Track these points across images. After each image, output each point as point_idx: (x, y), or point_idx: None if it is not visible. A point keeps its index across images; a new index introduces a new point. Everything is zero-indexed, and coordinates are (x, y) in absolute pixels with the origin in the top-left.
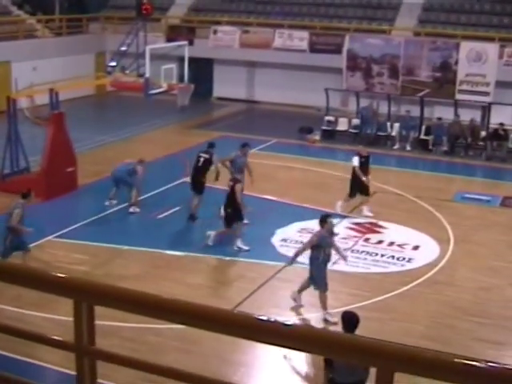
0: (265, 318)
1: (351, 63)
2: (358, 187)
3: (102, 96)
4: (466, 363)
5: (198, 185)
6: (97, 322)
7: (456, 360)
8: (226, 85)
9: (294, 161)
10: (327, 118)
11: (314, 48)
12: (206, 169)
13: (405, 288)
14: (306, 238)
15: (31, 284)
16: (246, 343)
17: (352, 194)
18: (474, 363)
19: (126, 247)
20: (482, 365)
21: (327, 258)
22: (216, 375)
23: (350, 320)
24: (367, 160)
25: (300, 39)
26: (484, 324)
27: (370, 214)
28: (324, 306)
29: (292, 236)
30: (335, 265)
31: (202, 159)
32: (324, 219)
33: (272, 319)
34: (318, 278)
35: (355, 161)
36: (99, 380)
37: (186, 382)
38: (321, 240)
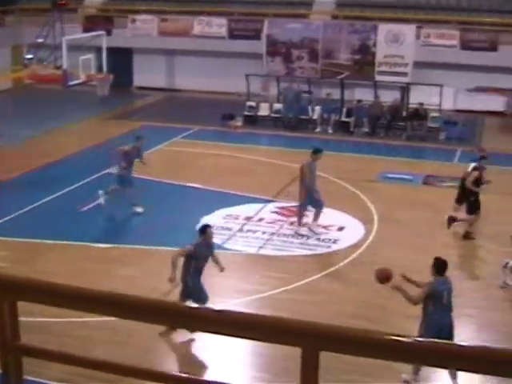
0: (195, 305)
1: (271, 48)
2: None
3: (20, 90)
4: (394, 339)
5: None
6: (25, 319)
7: (385, 337)
8: (147, 74)
9: (218, 148)
10: (249, 103)
11: (233, 34)
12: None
13: (332, 269)
14: (232, 224)
15: None
16: (177, 332)
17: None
18: (402, 339)
19: (50, 242)
20: (411, 340)
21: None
22: (148, 365)
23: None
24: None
25: (219, 26)
26: None
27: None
28: None
29: (217, 223)
30: (262, 249)
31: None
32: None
33: (202, 306)
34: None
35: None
36: (32, 378)
37: (117, 373)
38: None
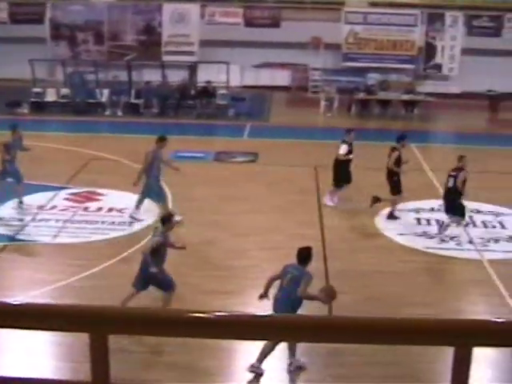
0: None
1: (55, 32)
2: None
3: None
4: (194, 316)
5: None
6: None
7: (187, 315)
8: None
9: (5, 136)
10: (35, 89)
11: (14, 19)
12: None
13: (129, 251)
14: (24, 214)
15: None
16: None
17: (338, 184)
18: (202, 315)
19: None
20: (210, 315)
21: None
22: None
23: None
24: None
25: None
26: (211, 276)
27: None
28: None
29: (8, 214)
30: (57, 238)
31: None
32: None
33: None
34: None
35: (342, 149)
36: None
37: None
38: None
